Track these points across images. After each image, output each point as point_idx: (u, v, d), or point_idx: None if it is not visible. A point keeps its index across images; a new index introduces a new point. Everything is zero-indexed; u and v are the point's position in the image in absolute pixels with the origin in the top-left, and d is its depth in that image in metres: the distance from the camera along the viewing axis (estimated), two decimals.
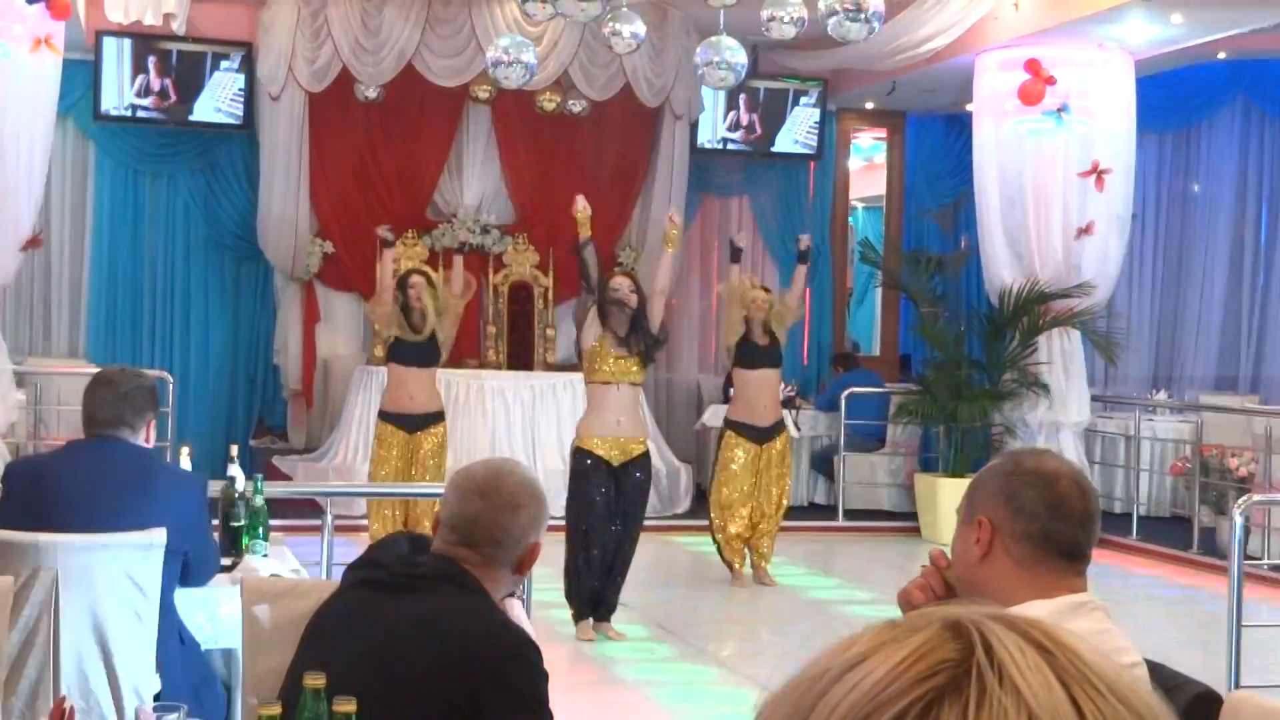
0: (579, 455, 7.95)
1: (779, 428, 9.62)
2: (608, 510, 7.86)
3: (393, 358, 9.35)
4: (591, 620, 7.97)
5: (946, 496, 11.17)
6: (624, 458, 7.92)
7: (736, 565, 9.63)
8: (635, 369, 8.03)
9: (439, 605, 2.87)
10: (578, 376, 12.52)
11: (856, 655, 0.81)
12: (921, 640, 0.80)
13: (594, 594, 7.96)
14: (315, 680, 2.50)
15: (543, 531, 3.03)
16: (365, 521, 9.57)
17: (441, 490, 8.37)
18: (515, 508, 2.98)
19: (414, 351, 9.23)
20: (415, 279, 9.45)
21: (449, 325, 9.51)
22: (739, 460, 9.47)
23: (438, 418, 9.34)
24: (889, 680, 0.78)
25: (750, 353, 9.49)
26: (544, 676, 2.86)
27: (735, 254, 9.75)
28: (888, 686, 0.78)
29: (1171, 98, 14.07)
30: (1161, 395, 13.82)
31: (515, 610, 3.14)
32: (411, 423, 9.20)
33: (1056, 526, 2.58)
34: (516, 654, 2.83)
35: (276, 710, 2.36)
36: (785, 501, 9.70)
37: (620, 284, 8.06)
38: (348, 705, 2.40)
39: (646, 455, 8.10)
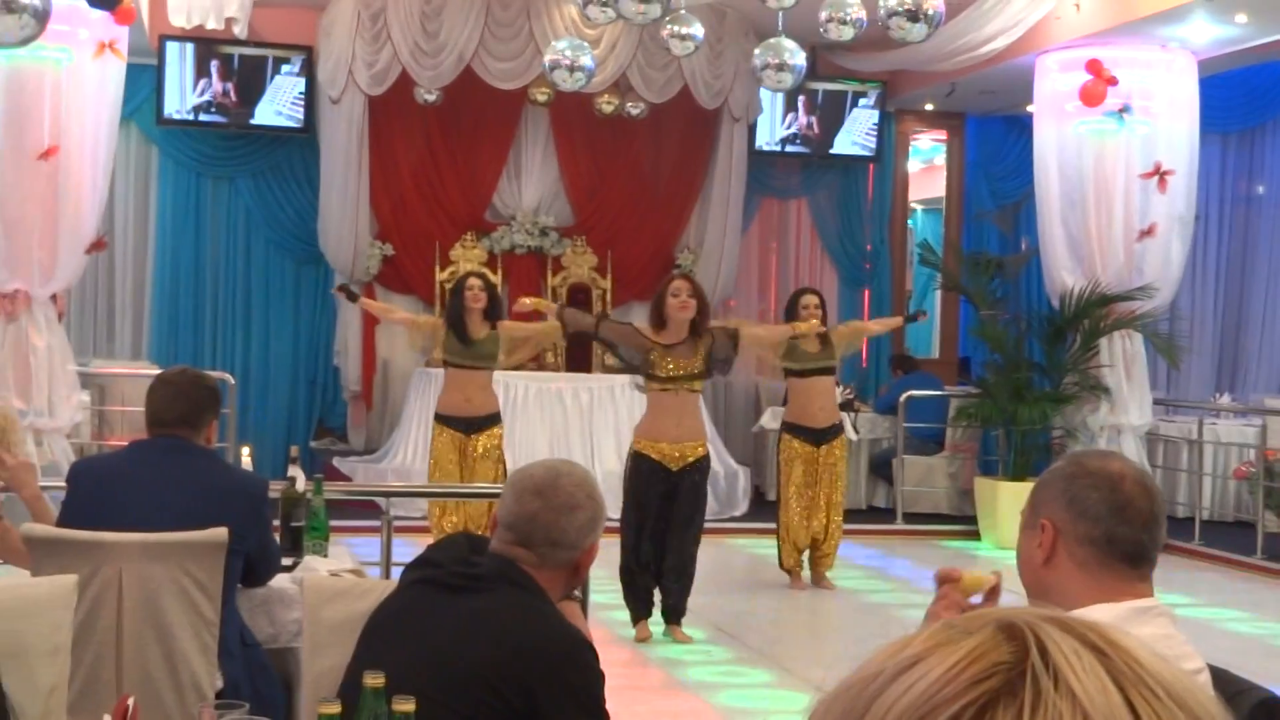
0: (636, 458, 7.93)
1: (835, 430, 9.57)
2: (663, 513, 7.84)
3: (447, 360, 9.28)
4: (648, 621, 7.97)
5: (1006, 500, 11.10)
6: (681, 462, 7.90)
7: (796, 570, 9.62)
8: (695, 377, 7.97)
9: (496, 605, 2.88)
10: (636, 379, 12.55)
11: (911, 657, 0.81)
12: (976, 642, 0.80)
13: (648, 593, 7.94)
14: (375, 679, 2.51)
15: (600, 533, 3.03)
16: (425, 522, 9.61)
17: (499, 489, 8.38)
18: (573, 508, 2.99)
19: (468, 354, 9.15)
20: (473, 281, 9.31)
21: (522, 354, 9.41)
22: (796, 458, 9.44)
23: (493, 420, 9.27)
24: (944, 682, 0.78)
25: (801, 360, 9.42)
26: (600, 677, 2.86)
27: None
28: (943, 689, 0.78)
29: (1235, 98, 13.93)
30: (1225, 398, 13.67)
31: (573, 612, 3.14)
32: (466, 425, 9.16)
33: (1120, 530, 2.54)
34: (573, 654, 2.83)
35: (336, 709, 2.38)
36: (840, 503, 9.63)
37: (680, 288, 7.98)
38: (407, 704, 2.42)
39: (706, 458, 8.04)
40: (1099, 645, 0.79)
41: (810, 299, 9.47)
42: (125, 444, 5.05)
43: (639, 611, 7.96)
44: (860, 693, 0.82)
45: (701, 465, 7.98)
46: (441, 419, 9.21)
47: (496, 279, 13.28)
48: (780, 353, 9.33)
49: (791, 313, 9.48)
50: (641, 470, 7.86)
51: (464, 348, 9.08)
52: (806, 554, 9.66)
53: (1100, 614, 2.39)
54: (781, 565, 9.68)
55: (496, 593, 2.90)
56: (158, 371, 5.45)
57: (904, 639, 0.83)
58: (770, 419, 11.83)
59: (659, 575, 7.94)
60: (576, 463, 3.23)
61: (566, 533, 2.97)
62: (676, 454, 7.87)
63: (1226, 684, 2.59)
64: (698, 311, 7.91)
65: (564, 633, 2.87)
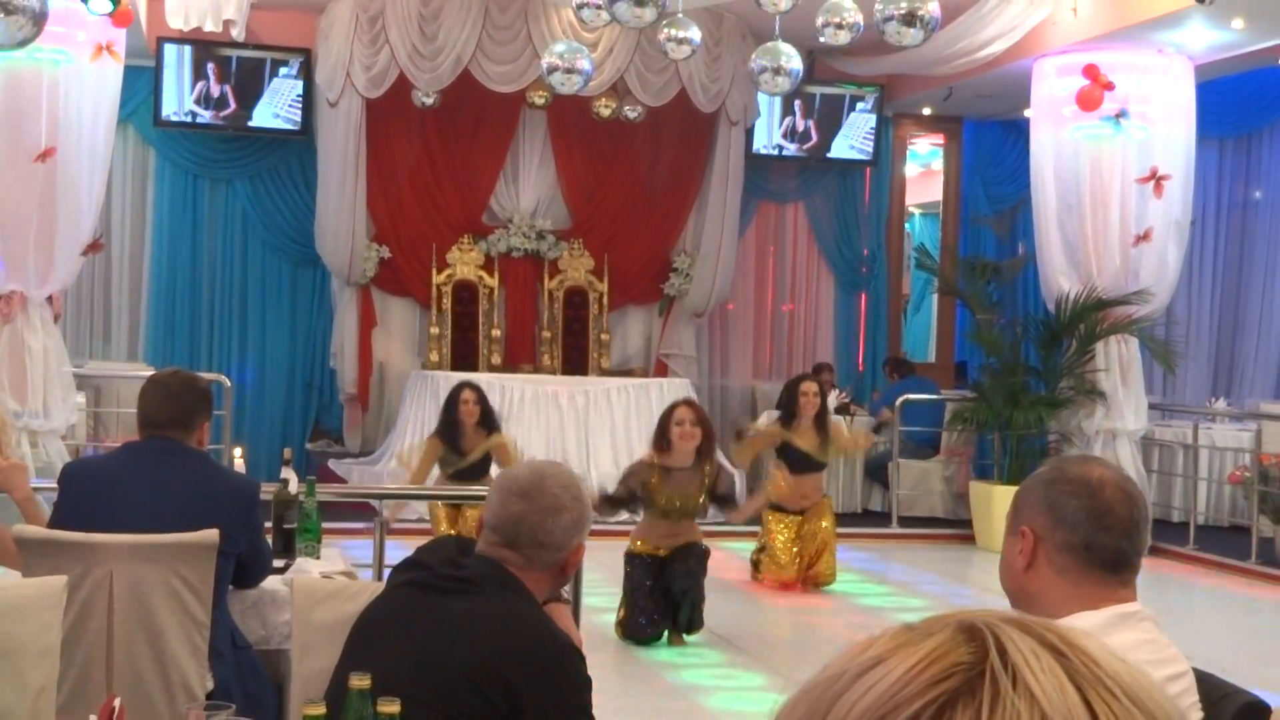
0: (630, 559, 7.93)
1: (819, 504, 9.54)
2: (654, 595, 7.84)
3: (445, 473, 9.01)
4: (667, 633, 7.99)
5: (1001, 504, 11.03)
6: (673, 546, 7.90)
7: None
8: (691, 513, 7.90)
9: (482, 607, 2.88)
10: (633, 382, 12.58)
11: (873, 658, 0.82)
12: (936, 643, 0.80)
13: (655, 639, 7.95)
14: (360, 681, 2.52)
15: (585, 534, 3.02)
16: (419, 525, 9.60)
17: (485, 493, 8.33)
18: (558, 510, 2.98)
19: (463, 468, 8.88)
20: (466, 395, 9.01)
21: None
22: (780, 535, 9.43)
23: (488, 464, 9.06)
24: (904, 683, 0.79)
25: (793, 457, 9.32)
26: (587, 683, 2.85)
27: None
28: (903, 689, 0.78)
29: (1232, 103, 13.96)
30: (1220, 403, 13.69)
31: (562, 614, 3.14)
32: (462, 474, 8.91)
33: (1099, 538, 2.52)
34: (559, 659, 2.82)
35: (321, 710, 2.38)
36: (832, 542, 9.61)
37: (684, 416, 7.84)
38: (392, 706, 2.42)
39: (697, 542, 7.98)
40: (1057, 646, 0.80)
41: (809, 386, 9.39)
42: (118, 445, 5.05)
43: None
44: (823, 693, 0.82)
45: (693, 545, 7.97)
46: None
47: (493, 282, 13.33)
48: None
49: (792, 402, 9.36)
50: (636, 568, 7.88)
51: (458, 460, 8.89)
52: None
53: (1083, 621, 2.39)
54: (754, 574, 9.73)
55: (483, 595, 2.89)
56: (152, 373, 5.46)
57: (866, 640, 0.84)
58: (766, 421, 11.82)
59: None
60: (562, 464, 3.24)
61: (552, 534, 2.97)
62: (666, 545, 7.90)
63: (1212, 688, 2.59)
64: (703, 439, 7.83)
65: (550, 636, 2.86)
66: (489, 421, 9.05)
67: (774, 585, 9.56)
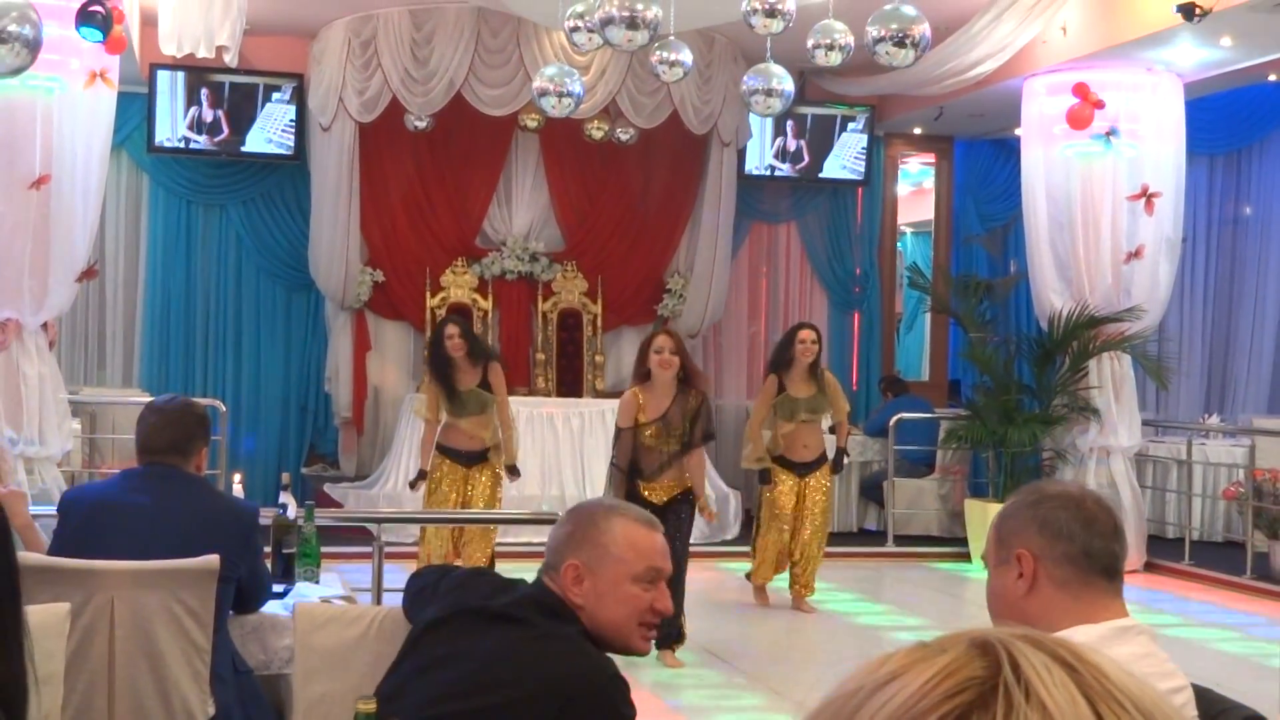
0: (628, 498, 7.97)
1: (819, 462, 9.55)
2: None
3: (448, 417, 9.16)
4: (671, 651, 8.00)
5: None
6: (667, 496, 7.95)
7: (763, 587, 9.66)
8: (676, 434, 7.96)
9: (529, 636, 2.90)
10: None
11: (888, 674, 0.83)
12: (950, 658, 0.82)
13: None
14: (366, 705, 2.53)
15: (585, 554, 2.98)
16: (416, 549, 9.60)
17: (491, 515, 8.37)
18: (559, 525, 3.06)
19: (461, 408, 9.02)
20: (450, 330, 9.15)
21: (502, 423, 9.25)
22: (781, 487, 9.43)
23: (488, 454, 9.16)
24: (919, 697, 0.80)
25: (790, 412, 9.36)
26: (631, 706, 2.87)
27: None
28: (918, 703, 0.80)
29: (1222, 120, 14.02)
30: (1214, 419, 13.73)
31: None
32: (467, 458, 9.07)
33: (1095, 543, 2.60)
34: (607, 689, 2.82)
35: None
36: (821, 530, 9.61)
37: (662, 344, 7.97)
38: None
39: (688, 491, 8.06)
40: (1069, 661, 0.82)
41: (807, 334, 9.45)
42: (116, 472, 5.05)
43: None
44: (840, 709, 0.84)
45: (686, 495, 8.02)
46: (442, 449, 9.15)
47: (487, 305, 13.34)
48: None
49: (788, 348, 9.43)
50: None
51: (453, 404, 9.00)
52: (786, 574, 9.68)
53: (1081, 634, 2.42)
54: (750, 577, 9.71)
55: (533, 625, 2.92)
56: (149, 399, 5.47)
57: (882, 656, 0.86)
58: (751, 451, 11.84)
59: None
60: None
61: (553, 550, 3.03)
62: (661, 491, 7.94)
63: (1210, 703, 2.61)
64: (681, 367, 7.92)
65: (598, 667, 2.86)
66: (478, 352, 9.14)
67: (764, 574, 9.52)
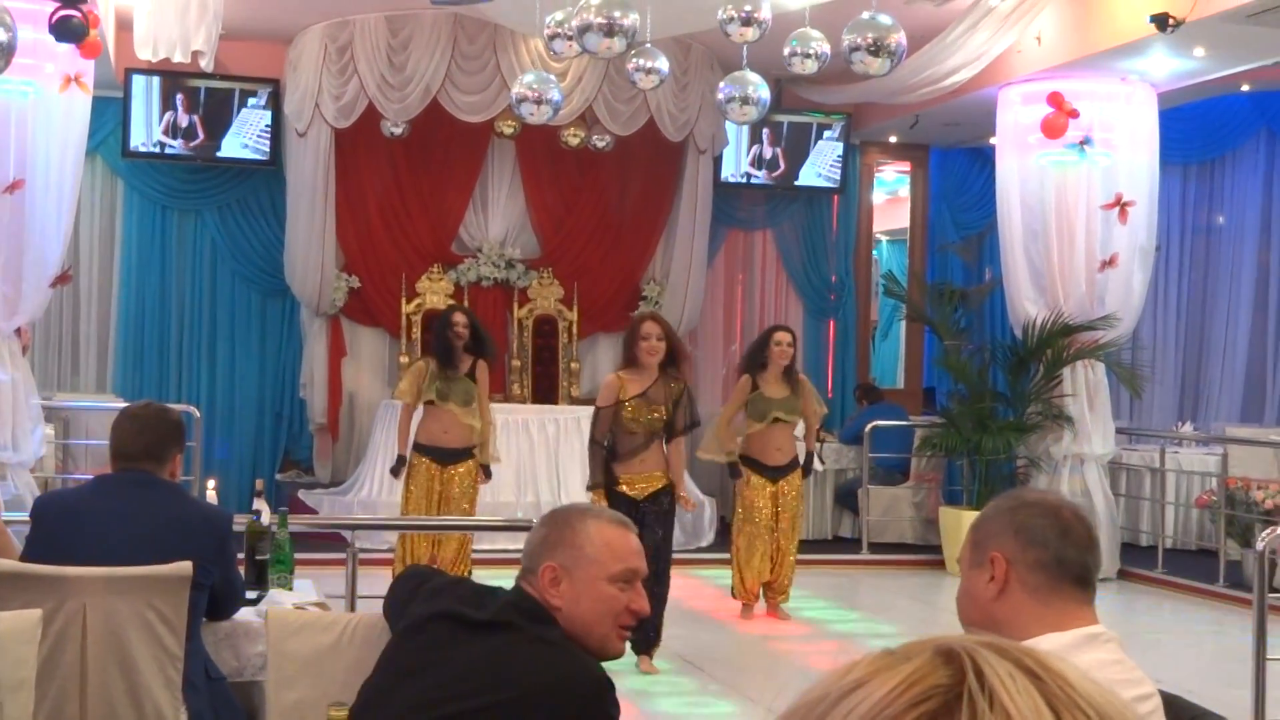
0: (608, 493, 7.95)
1: (791, 466, 9.55)
2: None
3: (432, 398, 9.19)
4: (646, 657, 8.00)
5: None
6: (647, 489, 7.95)
7: (751, 601, 9.63)
8: (657, 421, 7.95)
9: (514, 642, 2.92)
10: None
11: (854, 681, 0.84)
12: (915, 666, 0.83)
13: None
14: (338, 712, 2.53)
15: (561, 556, 3.01)
16: (390, 555, 9.57)
17: (466, 522, 8.33)
18: (536, 529, 3.08)
19: (450, 390, 9.09)
20: (458, 317, 9.28)
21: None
22: (757, 492, 9.42)
23: (469, 453, 9.21)
24: (884, 704, 0.81)
25: (761, 411, 9.37)
26: (618, 708, 2.90)
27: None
28: (883, 711, 0.81)
29: (1195, 130, 14.10)
30: (1187, 427, 13.79)
31: None
32: (443, 455, 9.12)
33: (1068, 552, 2.63)
34: (596, 693, 2.86)
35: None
36: (794, 537, 9.61)
37: (650, 331, 7.96)
38: None
39: (669, 486, 8.07)
40: (1033, 669, 0.83)
41: (783, 335, 9.46)
42: (89, 478, 5.04)
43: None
44: (806, 716, 0.85)
45: (666, 490, 8.01)
46: (420, 448, 9.15)
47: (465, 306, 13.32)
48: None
49: (763, 350, 9.44)
50: (617, 504, 7.81)
51: (446, 385, 9.04)
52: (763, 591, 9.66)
53: (1050, 643, 2.44)
54: (735, 594, 9.68)
55: (518, 630, 2.94)
56: (123, 405, 5.45)
57: (848, 664, 0.86)
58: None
59: None
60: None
61: (529, 554, 3.05)
62: (641, 484, 7.92)
63: (1180, 711, 2.63)
64: (667, 353, 7.93)
65: (587, 670, 2.89)
66: (477, 346, 9.18)
67: (751, 589, 9.51)
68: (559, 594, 2.97)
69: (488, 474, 9.26)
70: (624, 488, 7.91)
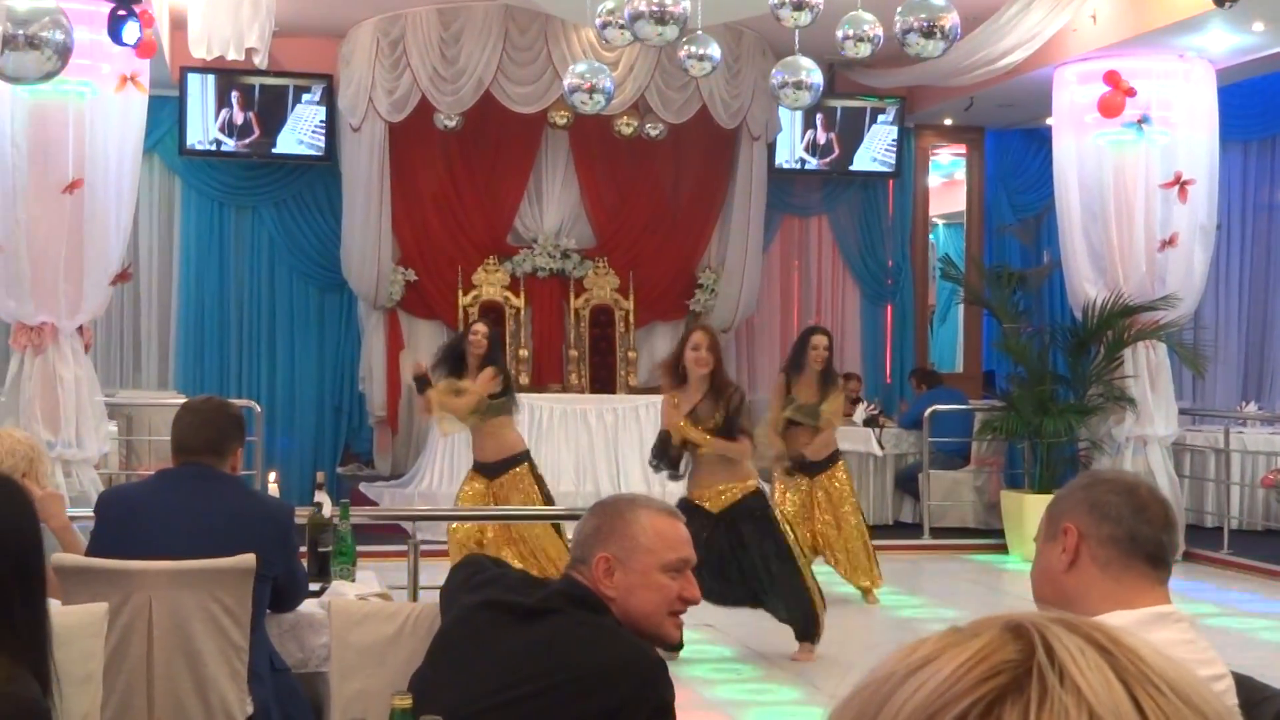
0: (681, 503, 7.88)
1: (832, 460, 9.49)
2: (707, 555, 7.67)
3: None
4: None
5: (1033, 513, 11.04)
6: (723, 502, 7.81)
7: None
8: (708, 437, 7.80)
9: (567, 626, 2.94)
10: (661, 399, 12.58)
11: (922, 658, 0.83)
12: (984, 642, 0.81)
13: None
14: (402, 700, 2.54)
15: (614, 547, 3.02)
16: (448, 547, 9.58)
17: (525, 512, 8.31)
18: (586, 519, 3.09)
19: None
20: (479, 327, 9.05)
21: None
22: (789, 503, 9.36)
23: (514, 461, 8.83)
24: (953, 681, 0.80)
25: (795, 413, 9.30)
26: (673, 697, 2.91)
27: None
28: (951, 687, 0.80)
29: (1255, 106, 13.92)
30: (1251, 407, 13.64)
31: None
32: (487, 470, 8.83)
33: (1142, 529, 2.62)
34: (651, 674, 2.87)
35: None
36: (857, 523, 9.56)
37: (698, 341, 7.83)
38: None
39: (750, 495, 7.88)
40: (1103, 644, 0.81)
41: (819, 339, 9.39)
42: (152, 473, 5.08)
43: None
44: (874, 694, 0.84)
45: (746, 502, 7.86)
46: (475, 464, 8.96)
47: (519, 302, 13.35)
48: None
49: (801, 353, 9.38)
50: (690, 517, 7.68)
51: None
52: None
53: (1118, 620, 2.42)
54: None
55: (569, 615, 2.96)
56: (184, 400, 5.49)
57: (915, 642, 0.85)
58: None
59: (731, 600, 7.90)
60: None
61: (579, 545, 3.07)
62: (712, 497, 7.83)
63: (1251, 690, 2.60)
64: (715, 365, 7.80)
65: (641, 652, 2.91)
66: (490, 357, 8.87)
67: None
68: (613, 584, 2.98)
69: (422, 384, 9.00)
70: (700, 503, 7.80)
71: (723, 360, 8.08)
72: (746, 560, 7.78)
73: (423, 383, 8.96)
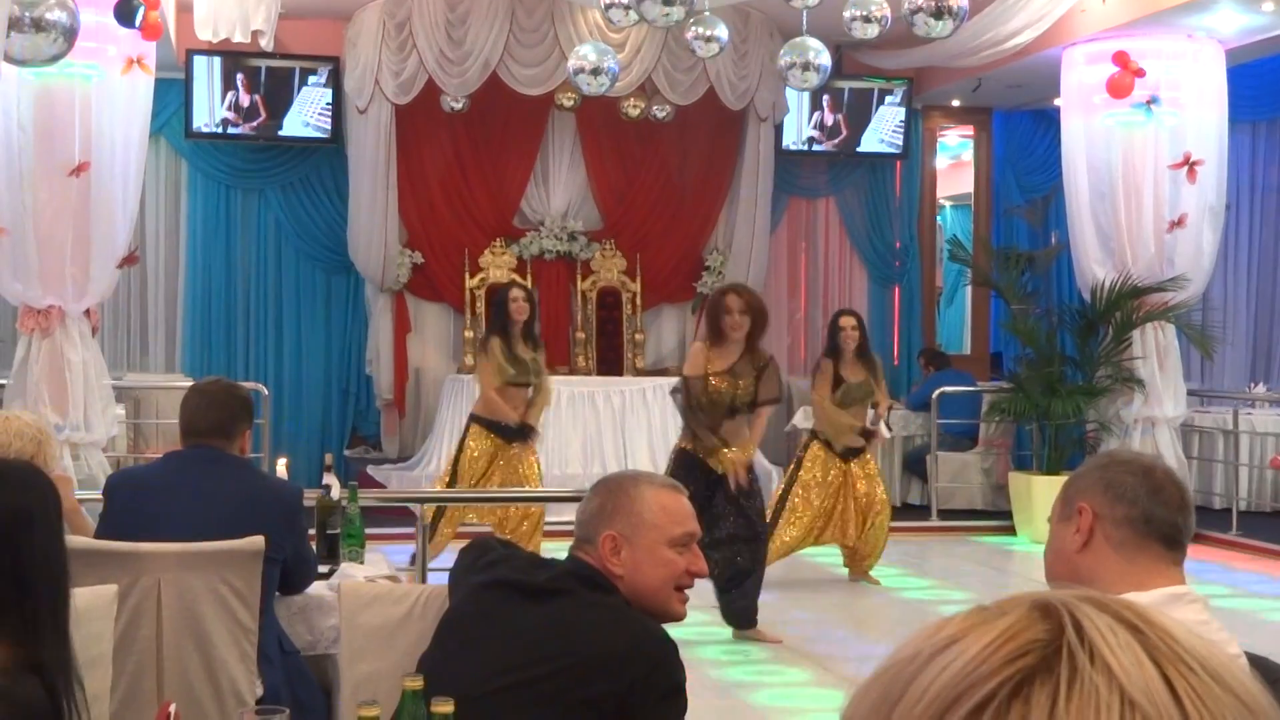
0: (678, 454, 7.86)
1: (862, 448, 9.47)
2: (700, 502, 7.64)
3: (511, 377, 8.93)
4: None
5: (1041, 494, 11.07)
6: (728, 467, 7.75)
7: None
8: (744, 396, 7.74)
9: (575, 609, 2.93)
10: (668, 381, 12.55)
11: (948, 637, 0.81)
12: (1011, 621, 0.80)
13: None
14: (414, 682, 2.53)
15: (620, 524, 3.01)
16: (463, 530, 9.58)
17: (533, 494, 8.31)
18: (589, 498, 3.08)
19: (518, 372, 8.87)
20: (515, 293, 9.08)
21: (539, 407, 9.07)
22: (818, 471, 9.34)
23: (532, 433, 8.98)
24: (980, 660, 0.78)
25: (845, 397, 9.30)
26: (684, 677, 2.91)
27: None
28: (979, 667, 0.78)
29: (1264, 87, 13.87)
30: (1260, 388, 13.62)
31: None
32: (507, 433, 8.89)
33: (1156, 510, 2.61)
34: (662, 655, 2.87)
35: (375, 712, 2.39)
36: (884, 504, 9.57)
37: (733, 305, 7.77)
38: (445, 706, 2.43)
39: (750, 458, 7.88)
40: (1134, 622, 0.80)
41: (847, 320, 9.41)
42: (160, 456, 5.07)
43: None
44: (898, 674, 0.82)
45: (749, 470, 7.86)
46: (481, 421, 8.98)
47: (526, 285, 13.33)
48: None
49: (834, 336, 9.37)
50: (683, 465, 7.68)
51: (513, 368, 8.86)
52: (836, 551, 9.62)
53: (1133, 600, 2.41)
54: None
55: (577, 596, 2.95)
56: (191, 383, 5.49)
57: (940, 621, 0.84)
58: (803, 418, 11.79)
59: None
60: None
61: (583, 523, 3.06)
62: (720, 458, 7.79)
63: (1266, 670, 2.58)
64: (752, 325, 7.77)
65: (652, 633, 2.91)
66: (532, 326, 9.01)
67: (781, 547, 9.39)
68: (620, 562, 2.98)
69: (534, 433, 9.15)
70: (701, 451, 7.79)
71: (762, 319, 7.95)
72: (724, 513, 7.75)
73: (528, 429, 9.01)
